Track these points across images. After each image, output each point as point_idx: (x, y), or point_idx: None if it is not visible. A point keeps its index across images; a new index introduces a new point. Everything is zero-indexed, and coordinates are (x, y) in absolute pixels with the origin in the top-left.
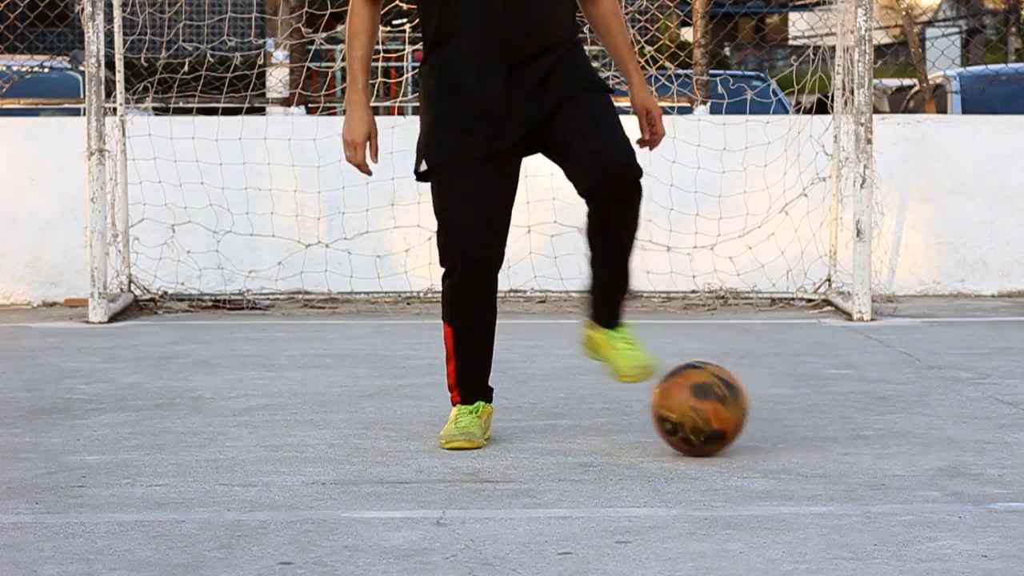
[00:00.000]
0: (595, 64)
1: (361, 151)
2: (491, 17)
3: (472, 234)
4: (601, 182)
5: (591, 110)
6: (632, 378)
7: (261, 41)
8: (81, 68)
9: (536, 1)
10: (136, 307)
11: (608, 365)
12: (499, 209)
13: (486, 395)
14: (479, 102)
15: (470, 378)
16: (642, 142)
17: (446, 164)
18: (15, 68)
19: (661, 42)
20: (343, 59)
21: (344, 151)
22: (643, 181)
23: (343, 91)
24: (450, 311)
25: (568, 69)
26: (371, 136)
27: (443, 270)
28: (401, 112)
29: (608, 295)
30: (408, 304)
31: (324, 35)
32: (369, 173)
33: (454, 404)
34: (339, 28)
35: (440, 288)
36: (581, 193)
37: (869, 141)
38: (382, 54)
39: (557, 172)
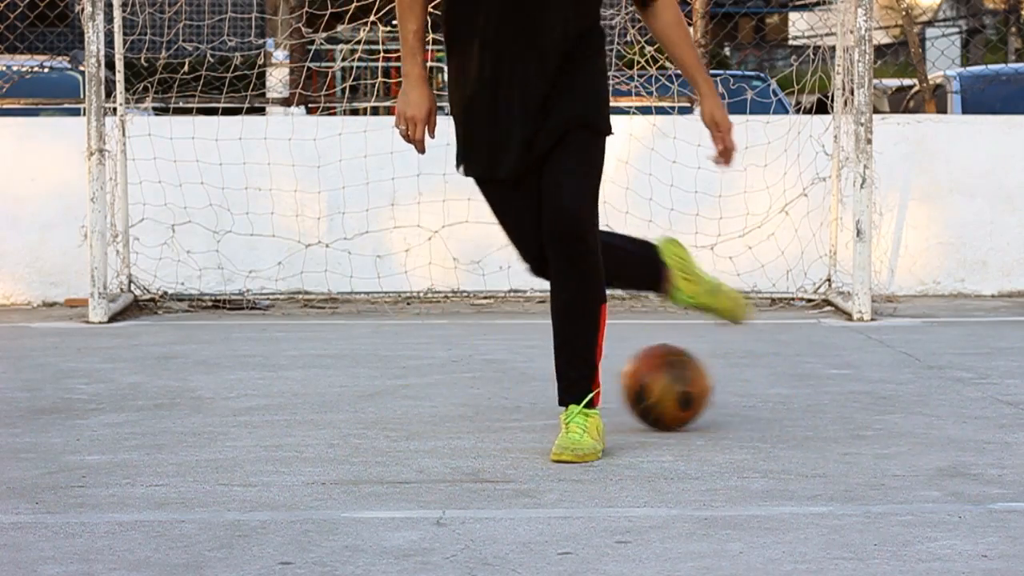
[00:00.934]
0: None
1: (422, 127)
2: (504, 25)
3: (529, 249)
4: (548, 232)
5: (571, 158)
6: (555, 458)
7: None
8: (81, 68)
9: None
10: (136, 307)
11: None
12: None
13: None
14: (490, 133)
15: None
16: (715, 159)
17: (481, 180)
18: (15, 68)
19: None
20: (343, 59)
21: (399, 126)
22: (596, 234)
23: (343, 91)
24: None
25: (570, 92)
26: (431, 112)
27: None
28: None
29: (560, 366)
30: (408, 304)
31: (324, 35)
32: (423, 151)
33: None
34: (339, 28)
35: (439, 288)
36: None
37: (869, 141)
38: (382, 54)
39: None
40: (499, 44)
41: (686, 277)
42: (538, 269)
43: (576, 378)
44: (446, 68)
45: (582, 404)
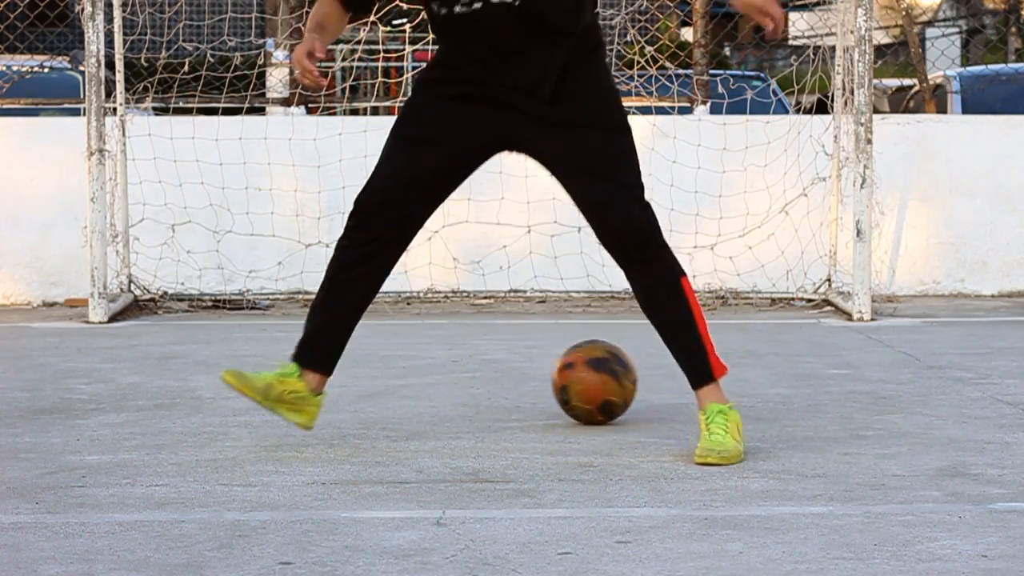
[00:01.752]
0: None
1: (302, 55)
2: (470, 51)
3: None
4: (606, 240)
5: (598, 153)
6: (700, 461)
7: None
8: (81, 68)
9: (501, 18)
10: (136, 307)
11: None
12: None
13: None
14: (479, 65)
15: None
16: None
17: (410, 103)
18: (15, 68)
19: (661, 42)
20: (343, 59)
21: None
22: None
23: (343, 91)
24: None
25: (584, 82)
26: (312, 46)
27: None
28: None
29: (677, 356)
30: (408, 304)
31: None
32: (317, 81)
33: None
34: None
35: (439, 288)
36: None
37: (869, 141)
38: (382, 54)
39: None
40: (488, 31)
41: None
42: (361, 221)
43: (695, 362)
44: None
45: (722, 403)
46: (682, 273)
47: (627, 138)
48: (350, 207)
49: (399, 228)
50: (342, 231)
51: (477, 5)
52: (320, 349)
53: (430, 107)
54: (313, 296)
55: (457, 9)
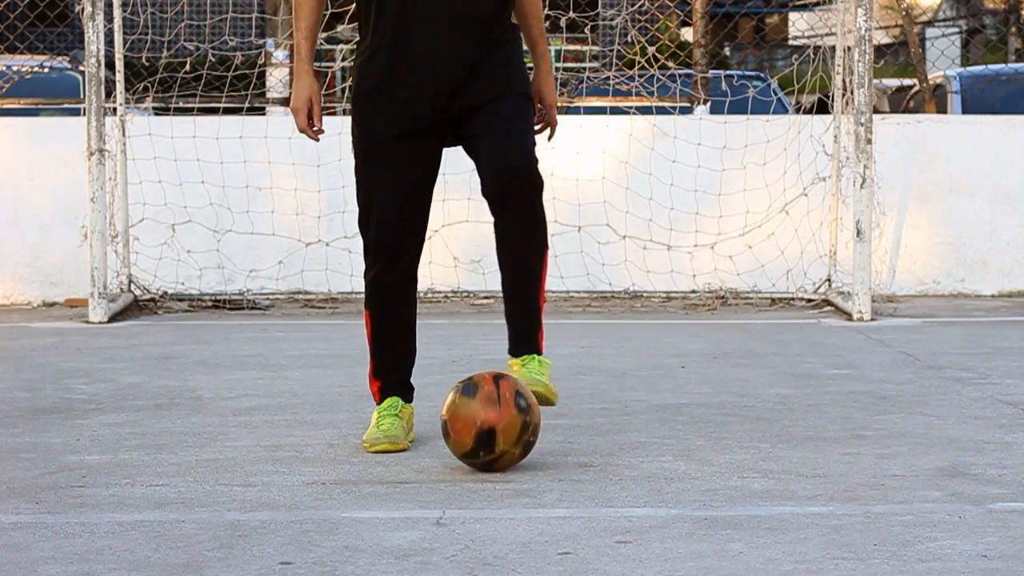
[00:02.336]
0: (595, 63)
1: (303, 116)
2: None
3: (389, 228)
4: (498, 182)
5: (509, 113)
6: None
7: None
8: (81, 68)
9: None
10: (136, 307)
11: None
12: (415, 195)
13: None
14: (403, 61)
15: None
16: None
17: (361, 144)
18: (15, 68)
19: (661, 42)
20: (343, 58)
21: (295, 122)
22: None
23: (343, 91)
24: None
25: (503, 63)
26: (312, 101)
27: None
28: None
29: (512, 319)
30: None
31: (324, 35)
32: (316, 139)
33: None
34: (339, 28)
35: (439, 287)
36: (484, 194)
37: (869, 141)
38: None
39: (556, 172)
40: (427, 18)
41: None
42: (389, 260)
43: (530, 331)
44: (361, 46)
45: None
46: (547, 246)
47: (530, 105)
48: (350, 206)
49: (419, 248)
50: (370, 271)
51: None
52: (407, 377)
53: (385, 138)
54: (313, 296)
55: None
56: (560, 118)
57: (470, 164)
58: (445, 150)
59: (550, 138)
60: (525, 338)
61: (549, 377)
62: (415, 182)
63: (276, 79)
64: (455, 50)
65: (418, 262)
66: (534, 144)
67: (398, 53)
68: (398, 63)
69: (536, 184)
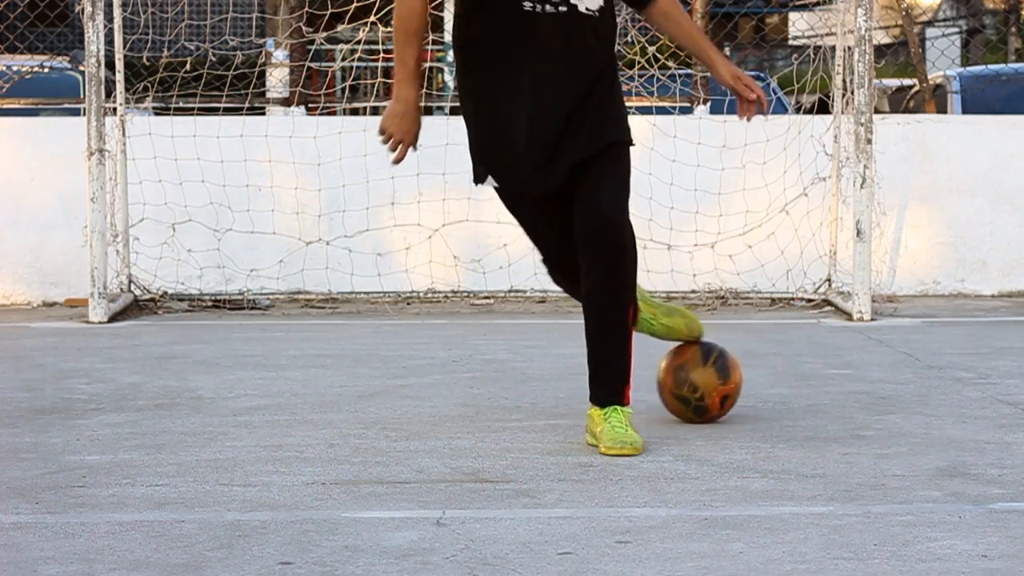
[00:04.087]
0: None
1: (406, 150)
2: (532, 48)
3: (554, 261)
4: (587, 236)
5: (608, 169)
6: (614, 451)
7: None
8: (81, 68)
9: (581, 24)
10: (136, 307)
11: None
12: (560, 235)
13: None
14: (518, 145)
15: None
16: (747, 113)
17: (505, 190)
18: (15, 68)
19: (661, 42)
20: (343, 59)
21: (381, 137)
22: (635, 209)
23: (343, 91)
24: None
25: (604, 109)
26: (417, 137)
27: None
28: None
29: (595, 368)
30: (408, 304)
31: (324, 35)
32: (402, 157)
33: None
34: (339, 28)
35: (440, 286)
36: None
37: (869, 141)
38: (382, 54)
39: None
40: (536, 68)
41: (644, 301)
42: (561, 275)
43: (617, 377)
44: (462, 78)
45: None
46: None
47: (628, 154)
48: (350, 205)
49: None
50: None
51: (563, 8)
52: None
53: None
54: (313, 296)
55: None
56: None
57: (469, 164)
58: (435, 155)
59: (765, 110)
60: (606, 388)
61: (630, 426)
62: (560, 226)
63: (276, 79)
64: (564, 104)
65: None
66: (625, 196)
67: (506, 100)
68: (494, 127)
69: (619, 239)
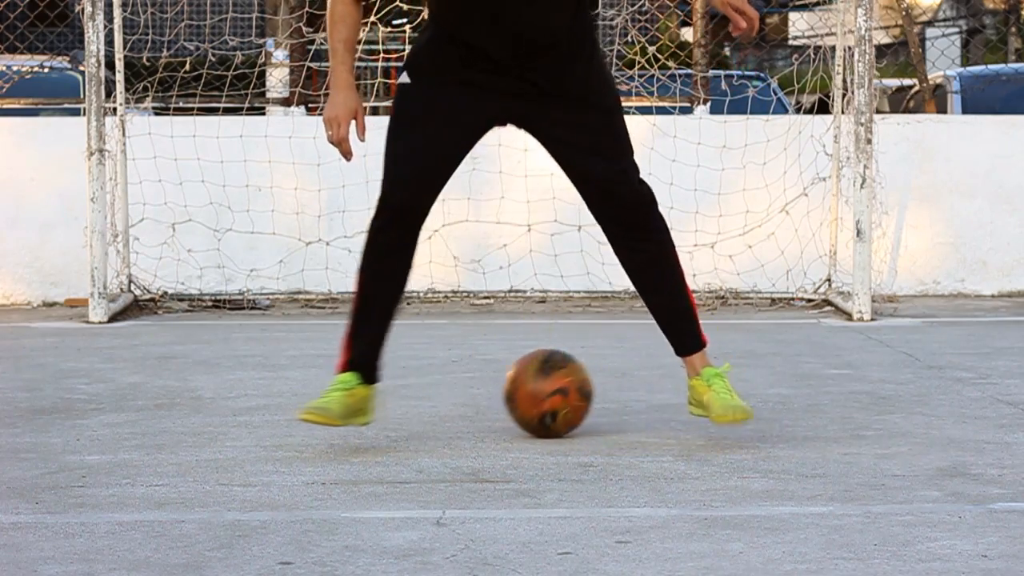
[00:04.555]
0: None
1: (346, 126)
2: (501, 15)
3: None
4: (617, 212)
5: (605, 130)
6: (728, 419)
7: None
8: (81, 68)
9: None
10: (136, 307)
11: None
12: (451, 148)
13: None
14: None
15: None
16: (738, 29)
17: (419, 80)
18: (15, 68)
19: (661, 42)
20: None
21: (326, 130)
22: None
23: None
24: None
25: (590, 76)
26: (356, 113)
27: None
28: None
29: (665, 321)
30: (408, 304)
31: (324, 35)
32: (350, 155)
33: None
34: None
35: (440, 287)
36: (596, 217)
37: (869, 141)
38: (382, 54)
39: (557, 172)
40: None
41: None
42: (398, 215)
43: (689, 328)
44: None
45: (715, 367)
46: (674, 245)
47: (621, 116)
48: (350, 205)
49: (426, 210)
50: (372, 229)
51: None
52: (375, 359)
53: (430, 91)
54: (313, 296)
55: None
56: None
57: (468, 164)
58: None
59: (754, 34)
60: (692, 336)
61: (734, 390)
62: (455, 134)
63: (276, 79)
64: (543, 54)
65: (422, 223)
66: (635, 163)
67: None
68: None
69: (652, 206)
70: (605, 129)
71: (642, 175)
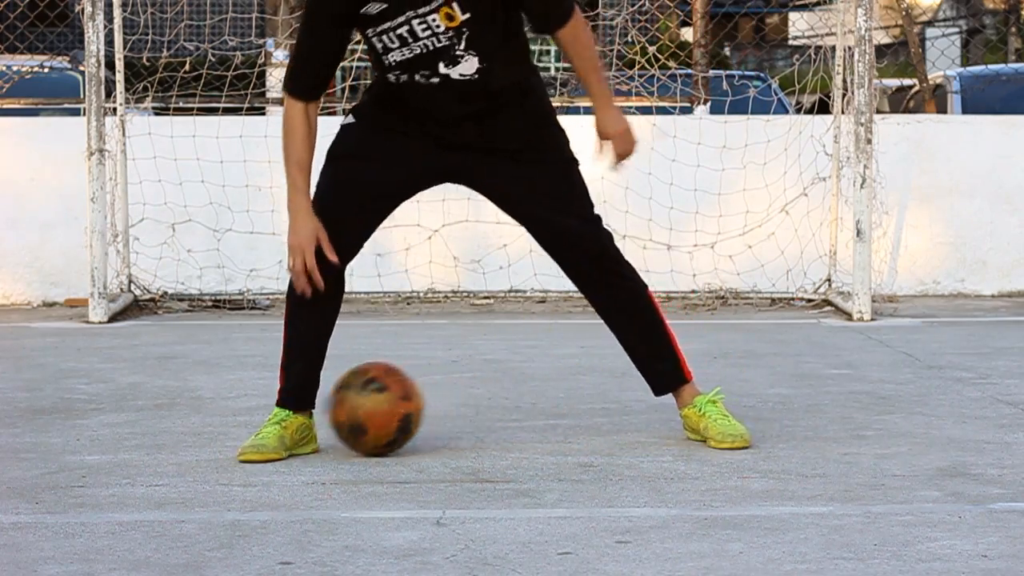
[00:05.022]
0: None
1: (311, 254)
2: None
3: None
4: (580, 259)
5: (554, 183)
6: (725, 445)
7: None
8: (81, 68)
9: (455, 89)
10: (136, 307)
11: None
12: (380, 195)
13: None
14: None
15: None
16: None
17: (362, 122)
18: (15, 68)
19: (661, 42)
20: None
21: (289, 259)
22: (613, 221)
23: (343, 90)
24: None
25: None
26: (320, 236)
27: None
28: None
29: (647, 360)
30: (408, 304)
31: None
32: (322, 285)
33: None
34: None
35: (440, 287)
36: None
37: (869, 141)
38: None
39: None
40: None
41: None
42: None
43: (669, 365)
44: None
45: (706, 394)
46: (646, 286)
47: (577, 168)
48: None
49: (352, 254)
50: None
51: (435, 80)
52: (308, 390)
53: (371, 132)
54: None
55: (417, 78)
56: (560, 118)
57: None
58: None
59: (618, 164)
60: (673, 373)
61: (730, 414)
62: (387, 175)
63: (276, 79)
64: (469, 120)
65: (344, 267)
66: (597, 216)
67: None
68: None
69: (617, 258)
70: (562, 181)
71: (642, 175)
